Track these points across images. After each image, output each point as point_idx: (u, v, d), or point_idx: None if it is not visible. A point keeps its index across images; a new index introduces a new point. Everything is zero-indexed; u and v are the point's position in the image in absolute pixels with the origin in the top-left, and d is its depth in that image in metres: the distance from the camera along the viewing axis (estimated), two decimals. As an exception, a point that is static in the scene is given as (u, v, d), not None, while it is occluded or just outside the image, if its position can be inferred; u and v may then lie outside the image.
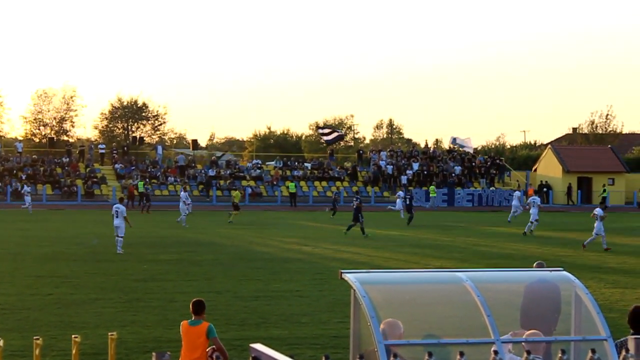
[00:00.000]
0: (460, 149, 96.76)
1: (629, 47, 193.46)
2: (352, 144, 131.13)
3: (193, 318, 13.23)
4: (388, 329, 9.36)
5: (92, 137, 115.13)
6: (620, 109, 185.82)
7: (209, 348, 12.96)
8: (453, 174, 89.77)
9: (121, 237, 36.21)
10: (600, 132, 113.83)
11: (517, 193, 66.49)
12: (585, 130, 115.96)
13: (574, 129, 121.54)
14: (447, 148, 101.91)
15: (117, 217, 36.46)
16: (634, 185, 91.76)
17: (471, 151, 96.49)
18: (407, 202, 60.51)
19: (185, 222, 53.05)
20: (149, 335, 19.12)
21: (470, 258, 36.08)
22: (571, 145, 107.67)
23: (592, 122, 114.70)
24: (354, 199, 50.37)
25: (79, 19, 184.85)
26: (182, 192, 56.13)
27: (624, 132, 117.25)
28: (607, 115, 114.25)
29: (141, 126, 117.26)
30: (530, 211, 49.27)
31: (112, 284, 27.08)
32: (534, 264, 16.07)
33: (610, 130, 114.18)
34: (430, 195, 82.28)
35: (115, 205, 37.38)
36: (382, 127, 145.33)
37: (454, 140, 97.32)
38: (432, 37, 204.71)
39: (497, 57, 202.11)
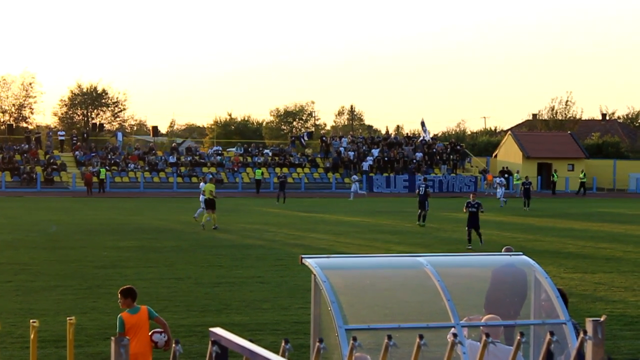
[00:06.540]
0: (422, 133, 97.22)
1: (589, 34, 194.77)
2: (313, 130, 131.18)
3: (129, 307, 12.98)
4: None
5: (51, 124, 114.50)
6: (579, 95, 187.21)
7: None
8: (414, 160, 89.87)
9: None
10: (560, 118, 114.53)
11: None
12: (545, 117, 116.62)
13: (534, 115, 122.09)
14: (408, 134, 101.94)
15: None
16: (593, 171, 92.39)
17: (428, 138, 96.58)
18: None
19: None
20: (109, 322, 19.00)
21: (431, 244, 36.19)
22: (531, 132, 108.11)
23: (552, 109, 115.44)
24: (422, 185, 46.28)
25: (38, 4, 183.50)
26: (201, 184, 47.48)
27: (583, 118, 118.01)
28: (567, 101, 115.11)
29: (101, 113, 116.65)
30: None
31: (72, 271, 26.94)
32: (503, 249, 16.05)
33: (570, 117, 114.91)
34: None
35: None
36: (343, 114, 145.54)
37: (422, 123, 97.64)
38: (393, 24, 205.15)
39: (458, 44, 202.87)
